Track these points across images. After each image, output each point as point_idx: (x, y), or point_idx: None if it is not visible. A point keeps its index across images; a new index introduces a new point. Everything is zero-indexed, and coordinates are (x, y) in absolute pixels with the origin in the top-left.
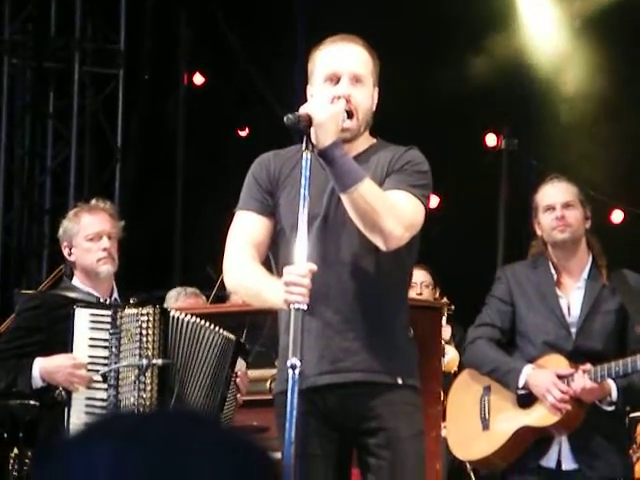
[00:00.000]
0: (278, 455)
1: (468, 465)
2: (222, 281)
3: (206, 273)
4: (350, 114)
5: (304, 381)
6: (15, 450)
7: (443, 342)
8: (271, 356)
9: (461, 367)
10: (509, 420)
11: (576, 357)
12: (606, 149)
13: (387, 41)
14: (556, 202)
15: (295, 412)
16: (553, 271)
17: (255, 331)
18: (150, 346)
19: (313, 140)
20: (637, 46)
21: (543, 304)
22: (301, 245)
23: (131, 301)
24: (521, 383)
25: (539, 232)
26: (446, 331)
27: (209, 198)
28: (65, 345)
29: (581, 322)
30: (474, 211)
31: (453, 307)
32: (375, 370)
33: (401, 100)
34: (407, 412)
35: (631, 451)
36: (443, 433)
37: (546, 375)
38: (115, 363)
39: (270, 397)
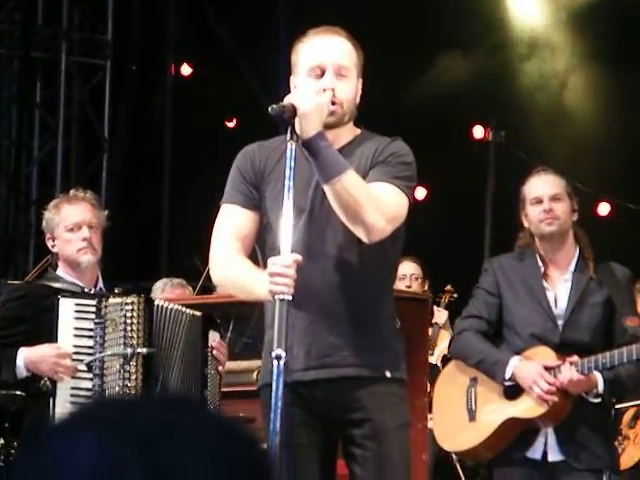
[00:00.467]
0: (264, 446)
1: (454, 456)
2: (209, 272)
3: (193, 264)
4: (334, 103)
5: (290, 376)
6: (1, 440)
7: (438, 327)
8: (258, 347)
9: (447, 360)
10: (496, 411)
11: (563, 349)
12: (593, 142)
13: (371, 32)
14: (544, 195)
15: (280, 403)
16: (540, 263)
17: (242, 322)
18: (135, 335)
19: (297, 131)
20: (623, 40)
21: (530, 296)
22: (286, 236)
23: (116, 291)
24: (508, 375)
25: (526, 224)
26: (442, 315)
27: (196, 189)
28: (50, 335)
29: (568, 314)
30: (461, 203)
31: (456, 295)
32: (362, 365)
33: (387, 92)
34: (393, 404)
35: (616, 442)
36: (429, 425)
37: (533, 367)
38: (100, 352)
39: (256, 388)
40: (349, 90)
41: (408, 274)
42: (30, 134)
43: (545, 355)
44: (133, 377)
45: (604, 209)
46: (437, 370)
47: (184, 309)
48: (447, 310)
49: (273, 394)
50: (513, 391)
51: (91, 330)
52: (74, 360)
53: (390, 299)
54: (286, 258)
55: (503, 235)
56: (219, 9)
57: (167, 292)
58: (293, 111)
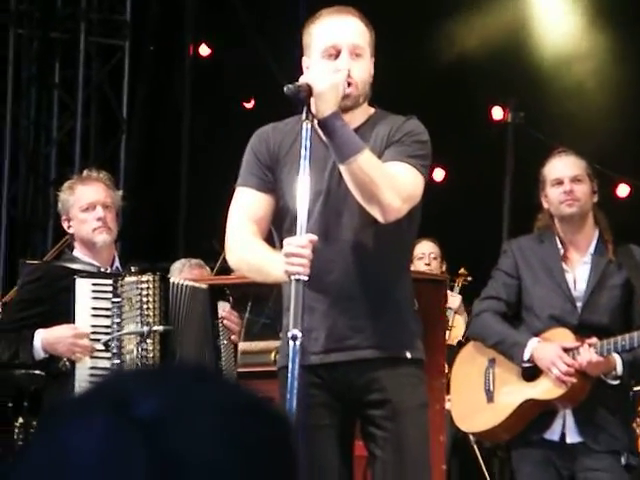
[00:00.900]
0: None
1: (472, 437)
2: None
3: (211, 244)
4: (349, 84)
5: (311, 358)
6: (20, 419)
7: (452, 311)
8: (276, 328)
9: (466, 338)
10: (514, 393)
11: (582, 331)
12: (612, 123)
13: (390, 11)
14: (564, 176)
15: (296, 383)
16: (559, 245)
17: (260, 303)
18: (151, 313)
19: (313, 110)
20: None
21: (549, 278)
22: (302, 217)
23: (132, 269)
24: (526, 356)
25: (546, 206)
26: (456, 300)
27: (214, 170)
28: (68, 316)
29: (587, 296)
30: (480, 184)
31: (470, 278)
32: (381, 346)
33: (406, 72)
34: (412, 384)
35: (634, 424)
36: (447, 406)
37: (552, 348)
38: (117, 331)
39: (274, 369)
40: (364, 70)
41: (427, 253)
42: (49, 114)
43: (564, 337)
44: (150, 355)
45: (623, 190)
46: (454, 351)
47: (197, 284)
48: (461, 294)
49: (289, 374)
50: (531, 372)
51: (108, 309)
52: (92, 340)
53: (408, 279)
54: (301, 238)
55: (521, 217)
56: None
57: (185, 272)
58: (309, 91)
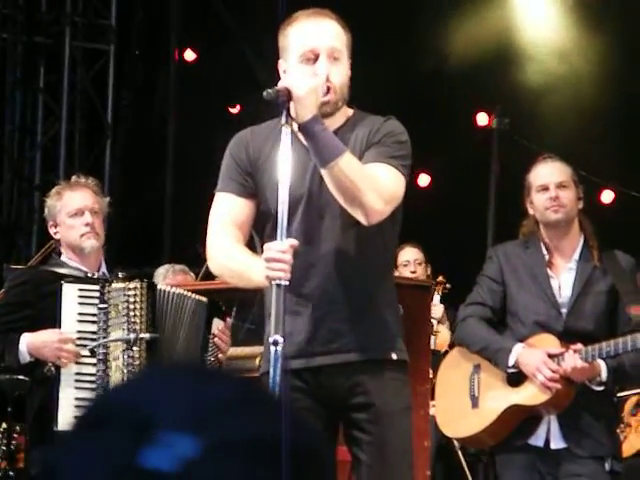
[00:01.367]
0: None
1: (456, 443)
2: None
3: (195, 249)
4: (328, 89)
5: (295, 362)
6: (4, 424)
7: (435, 321)
8: (260, 333)
9: (452, 346)
10: (499, 398)
11: (567, 337)
12: (597, 129)
13: (375, 17)
14: (550, 182)
15: (278, 388)
16: (545, 251)
17: (245, 308)
18: (138, 320)
19: (293, 114)
20: (630, 26)
21: (534, 284)
22: (282, 221)
23: (119, 275)
24: (511, 362)
25: (531, 212)
26: (438, 310)
27: (199, 175)
28: (54, 320)
29: (572, 302)
30: (465, 190)
31: (449, 286)
32: (366, 349)
33: (392, 78)
34: (395, 387)
35: (618, 430)
36: (432, 411)
37: (537, 354)
38: (103, 338)
39: (258, 374)
40: (342, 74)
41: (412, 260)
42: (33, 119)
43: (549, 342)
44: (137, 362)
45: (608, 197)
46: (439, 357)
47: (188, 294)
48: (442, 302)
49: (270, 379)
50: (516, 378)
51: (94, 315)
52: (78, 345)
53: (390, 281)
54: (282, 243)
55: (506, 223)
56: None
57: (169, 278)
58: (288, 95)
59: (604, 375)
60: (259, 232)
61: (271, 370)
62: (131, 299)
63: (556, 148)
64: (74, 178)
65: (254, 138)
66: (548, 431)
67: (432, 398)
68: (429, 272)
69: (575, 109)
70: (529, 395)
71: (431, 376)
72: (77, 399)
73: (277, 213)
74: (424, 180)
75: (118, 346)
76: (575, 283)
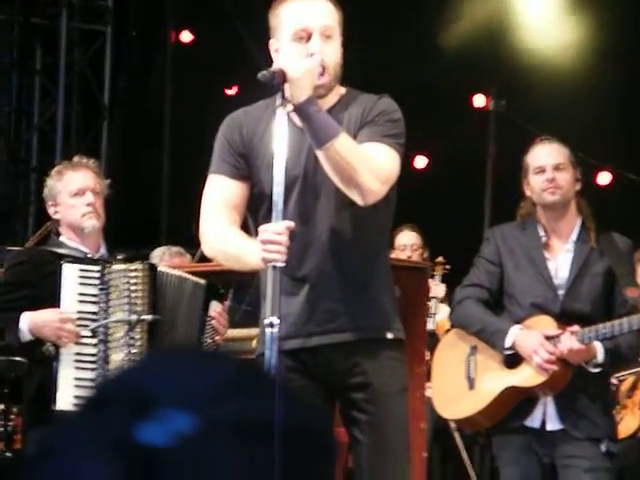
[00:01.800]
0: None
1: (452, 424)
2: None
3: (190, 230)
4: (323, 70)
5: (292, 342)
6: (1, 406)
7: (437, 300)
8: (258, 315)
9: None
10: (495, 380)
11: (563, 319)
12: (594, 110)
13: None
14: (547, 164)
15: (274, 369)
16: (542, 233)
17: (242, 290)
18: (139, 302)
19: (287, 96)
20: (625, 5)
21: (531, 266)
22: (278, 203)
23: (119, 257)
24: (508, 343)
25: (529, 193)
26: (440, 289)
27: (196, 157)
28: (54, 300)
29: (569, 284)
30: (462, 172)
31: (449, 267)
32: (363, 328)
33: (388, 60)
34: (392, 367)
35: (614, 412)
36: (428, 393)
37: (533, 336)
38: (104, 319)
39: (254, 356)
40: (335, 52)
41: (408, 244)
42: (30, 101)
43: (546, 324)
44: (138, 344)
45: (605, 178)
46: (436, 338)
47: (188, 276)
48: (443, 283)
49: (266, 361)
50: (513, 360)
51: (95, 296)
52: (78, 326)
53: (386, 260)
54: (278, 225)
55: (503, 204)
56: None
57: (165, 260)
58: (283, 77)
59: (600, 357)
60: (253, 214)
61: (267, 352)
62: (132, 280)
63: (553, 129)
64: (76, 158)
65: (247, 119)
66: (544, 413)
67: (428, 380)
68: (425, 256)
69: (572, 90)
70: (526, 377)
71: (427, 358)
72: (77, 379)
73: (272, 194)
74: (421, 162)
75: (119, 327)
76: (572, 265)
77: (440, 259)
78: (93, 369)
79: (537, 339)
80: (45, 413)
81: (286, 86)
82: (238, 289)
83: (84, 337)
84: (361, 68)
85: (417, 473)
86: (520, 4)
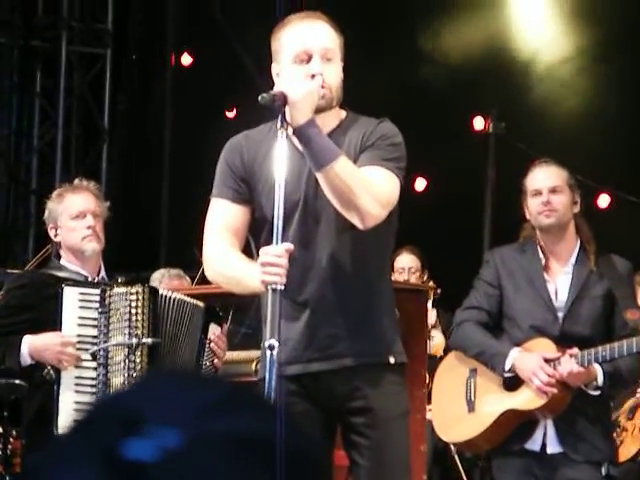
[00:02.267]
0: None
1: (452, 447)
2: None
3: (193, 254)
4: (323, 89)
5: (293, 368)
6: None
7: (430, 327)
8: (257, 338)
9: (447, 351)
10: (495, 403)
11: (563, 342)
12: (594, 133)
13: (372, 22)
14: (543, 187)
15: (274, 393)
16: (541, 255)
17: (241, 313)
18: (139, 325)
19: (288, 119)
20: (621, 26)
21: (531, 288)
22: (278, 226)
23: (119, 280)
24: (508, 366)
25: (528, 216)
26: (430, 315)
27: (196, 179)
28: (54, 324)
29: (568, 307)
30: (461, 194)
31: (439, 291)
32: (364, 353)
33: (388, 83)
34: (394, 392)
35: (615, 435)
36: (428, 415)
37: (533, 358)
38: (104, 342)
39: (256, 379)
40: (336, 74)
41: (407, 267)
42: (30, 123)
43: (545, 347)
44: (138, 367)
45: (604, 201)
46: (435, 361)
47: (187, 299)
48: (433, 308)
49: (266, 384)
50: (513, 382)
51: (95, 319)
52: (78, 349)
53: (388, 284)
54: (278, 248)
55: (502, 227)
56: None
57: (165, 283)
58: (284, 99)
59: (600, 380)
60: (255, 238)
61: (267, 374)
62: (133, 304)
63: (552, 152)
64: (76, 181)
65: (248, 143)
66: (544, 435)
67: (429, 402)
68: (425, 278)
69: (572, 113)
70: (525, 399)
71: (427, 380)
72: (77, 403)
73: (273, 218)
74: (421, 184)
75: (120, 351)
76: (571, 287)
77: (431, 284)
78: (93, 393)
79: (536, 362)
80: (45, 436)
81: (287, 109)
82: (238, 311)
83: (84, 360)
84: (360, 90)
85: None
86: (520, 27)
